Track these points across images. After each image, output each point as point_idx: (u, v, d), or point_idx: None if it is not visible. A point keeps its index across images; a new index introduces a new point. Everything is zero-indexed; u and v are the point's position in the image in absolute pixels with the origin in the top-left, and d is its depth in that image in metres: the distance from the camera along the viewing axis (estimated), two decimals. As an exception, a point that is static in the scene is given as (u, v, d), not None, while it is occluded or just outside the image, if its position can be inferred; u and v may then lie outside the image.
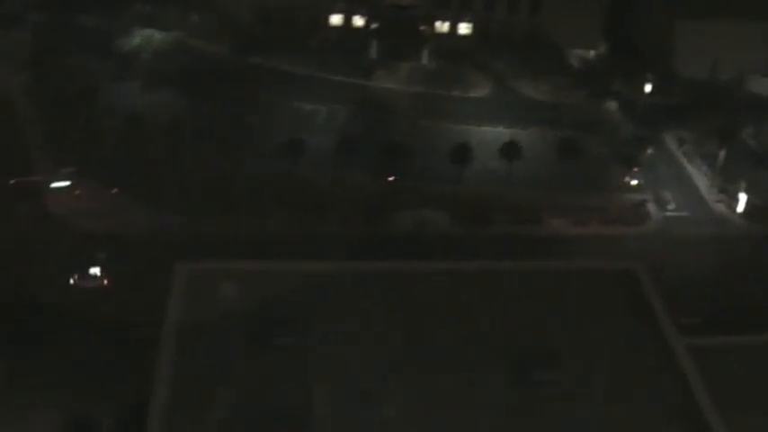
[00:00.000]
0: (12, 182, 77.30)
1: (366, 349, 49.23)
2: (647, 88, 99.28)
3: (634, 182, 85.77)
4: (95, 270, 68.14)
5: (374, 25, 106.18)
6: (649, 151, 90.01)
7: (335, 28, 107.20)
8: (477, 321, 50.71)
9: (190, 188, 78.32)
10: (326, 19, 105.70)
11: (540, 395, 46.74)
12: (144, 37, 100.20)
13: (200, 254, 60.34)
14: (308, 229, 75.28)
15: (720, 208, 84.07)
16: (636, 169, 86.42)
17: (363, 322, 50.57)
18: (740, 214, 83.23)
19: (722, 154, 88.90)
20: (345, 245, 72.11)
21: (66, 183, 77.10)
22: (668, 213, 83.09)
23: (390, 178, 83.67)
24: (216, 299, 51.83)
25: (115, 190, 77.39)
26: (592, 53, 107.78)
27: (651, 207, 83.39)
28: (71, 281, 67.76)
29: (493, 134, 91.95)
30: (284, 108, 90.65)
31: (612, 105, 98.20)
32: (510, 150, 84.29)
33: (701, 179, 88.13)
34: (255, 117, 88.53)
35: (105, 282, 68.23)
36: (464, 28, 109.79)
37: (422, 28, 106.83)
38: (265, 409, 45.74)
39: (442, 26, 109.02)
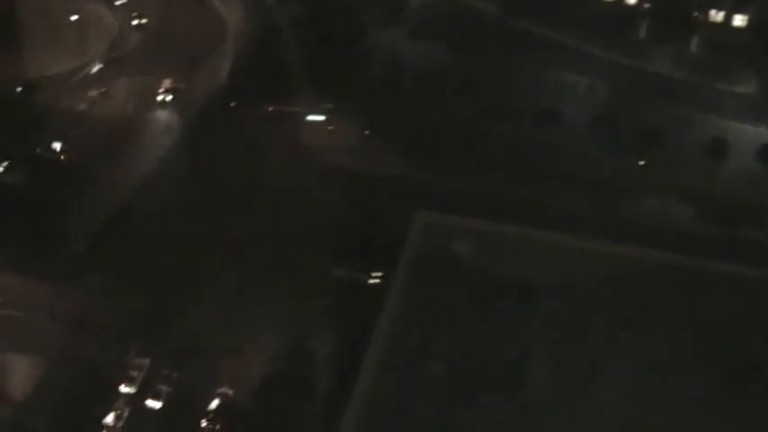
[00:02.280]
0: (270, 109, 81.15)
1: (584, 328, 49.27)
2: None
3: None
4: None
5: (647, 5, 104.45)
6: None
7: (608, 3, 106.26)
8: (702, 321, 49.90)
9: (440, 140, 78.67)
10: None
11: (751, 408, 45.65)
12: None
13: (437, 206, 61.82)
14: (549, 198, 75.20)
15: None
16: None
17: (585, 300, 50.53)
18: None
19: None
20: (581, 221, 72.39)
21: (322, 117, 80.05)
22: None
23: (640, 162, 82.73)
24: (448, 253, 52.97)
25: (367, 131, 79.54)
26: None
27: None
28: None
29: (753, 133, 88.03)
30: (545, 75, 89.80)
31: None
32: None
33: None
34: (515, 80, 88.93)
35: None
36: (739, 20, 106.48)
37: (695, 14, 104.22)
38: (479, 368, 46.70)
39: (717, 15, 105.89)
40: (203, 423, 56.74)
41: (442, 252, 52.89)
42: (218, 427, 56.76)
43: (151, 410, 57.90)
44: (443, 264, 52.27)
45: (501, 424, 43.57)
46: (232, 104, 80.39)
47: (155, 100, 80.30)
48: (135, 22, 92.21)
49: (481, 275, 51.09)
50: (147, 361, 60.75)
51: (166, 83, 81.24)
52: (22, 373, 60.88)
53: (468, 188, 75.90)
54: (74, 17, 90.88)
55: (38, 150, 74.47)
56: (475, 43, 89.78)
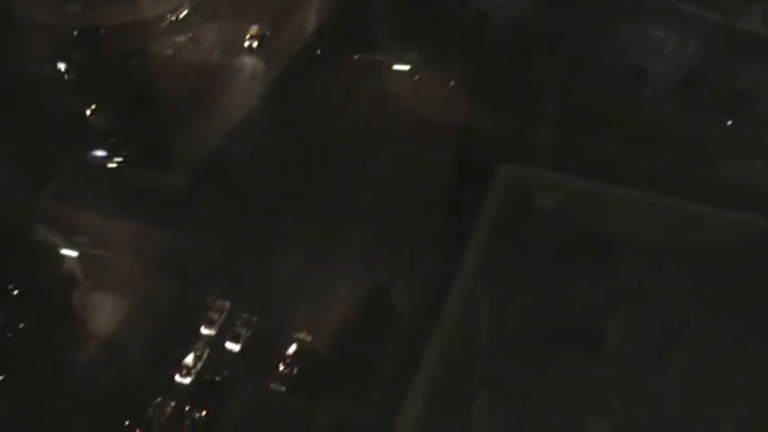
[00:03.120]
0: (355, 57, 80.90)
1: (663, 287, 48.84)
2: None
3: None
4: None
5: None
6: None
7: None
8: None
9: (525, 94, 77.29)
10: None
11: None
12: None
13: (521, 159, 61.43)
14: (633, 155, 74.85)
15: None
16: None
17: (666, 259, 50.05)
18: None
19: None
20: (664, 179, 71.43)
21: (407, 67, 79.73)
22: None
23: (728, 122, 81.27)
24: (531, 207, 52.76)
25: (452, 82, 78.65)
26: None
27: None
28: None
29: None
30: (632, 31, 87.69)
31: None
32: None
33: None
34: (602, 35, 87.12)
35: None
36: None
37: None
38: (558, 323, 46.62)
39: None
40: (281, 367, 58.59)
41: (525, 206, 52.75)
42: (294, 371, 58.57)
43: (230, 352, 60.17)
44: (526, 217, 52.17)
45: (579, 379, 43.63)
46: (318, 52, 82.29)
47: (241, 47, 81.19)
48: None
49: (563, 230, 50.86)
50: (227, 304, 62.29)
51: (253, 30, 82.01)
52: (106, 312, 62.52)
53: (552, 142, 75.96)
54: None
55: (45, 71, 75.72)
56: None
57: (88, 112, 73.05)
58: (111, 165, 68.55)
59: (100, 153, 68.93)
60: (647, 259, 50.27)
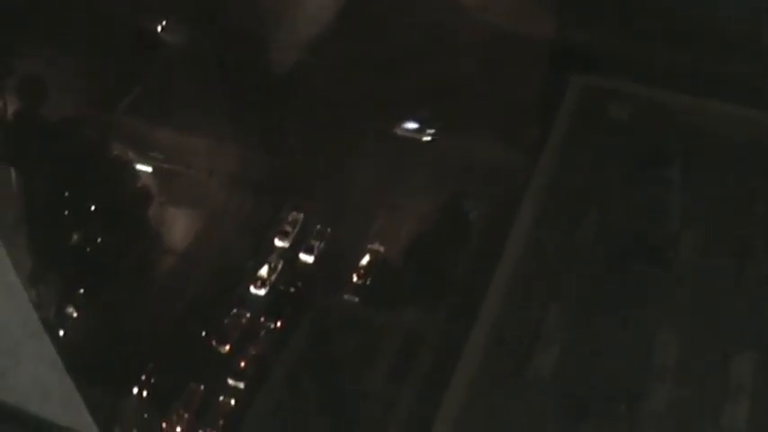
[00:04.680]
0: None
1: (741, 198, 47.92)
2: None
3: None
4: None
5: None
6: None
7: None
8: None
9: (598, 3, 77.38)
10: None
11: None
12: None
13: (595, 69, 60.27)
14: (710, 65, 72.64)
15: None
16: None
17: (744, 170, 48.96)
18: None
19: None
20: (741, 90, 69.20)
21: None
22: None
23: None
24: (605, 117, 51.91)
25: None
26: None
27: None
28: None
29: None
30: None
31: None
32: None
33: None
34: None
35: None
36: None
37: None
38: (631, 236, 46.19)
39: None
40: (354, 278, 59.03)
41: (599, 116, 51.78)
42: (368, 282, 58.93)
43: (304, 264, 60.84)
44: (600, 128, 51.25)
45: (652, 293, 43.29)
46: None
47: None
48: None
49: (638, 141, 49.85)
50: (301, 216, 62.67)
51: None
52: (182, 225, 63.48)
53: (627, 52, 74.53)
54: None
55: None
56: None
57: (159, 29, 75.13)
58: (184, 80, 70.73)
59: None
60: (725, 169, 49.43)
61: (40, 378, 12.56)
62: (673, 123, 50.95)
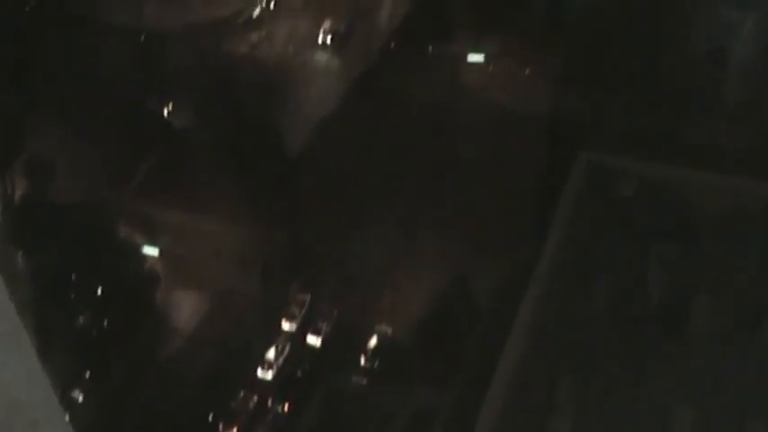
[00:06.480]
0: (430, 49, 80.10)
1: (749, 272, 47.78)
2: None
3: None
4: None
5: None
6: None
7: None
8: None
9: (604, 79, 75.25)
10: None
11: None
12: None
13: (601, 146, 60.63)
14: (715, 138, 72.47)
15: None
16: None
17: (751, 244, 48.95)
18: None
19: None
20: (747, 163, 69.29)
21: (482, 56, 78.07)
22: None
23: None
24: (611, 193, 52.04)
25: (528, 71, 76.73)
26: None
27: None
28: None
29: None
30: (711, 12, 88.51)
31: None
32: None
33: None
34: (682, 18, 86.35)
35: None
36: None
37: None
38: (640, 308, 45.95)
39: None
40: (362, 359, 58.59)
41: (605, 192, 51.92)
42: (376, 364, 58.48)
43: (311, 346, 60.30)
44: (605, 204, 51.41)
45: (662, 362, 42.91)
46: (392, 45, 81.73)
47: (315, 42, 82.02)
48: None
49: (644, 216, 50.05)
50: (308, 297, 62.28)
51: (326, 25, 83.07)
52: (188, 307, 63.31)
53: (631, 127, 74.84)
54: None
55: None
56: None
57: (165, 112, 75.80)
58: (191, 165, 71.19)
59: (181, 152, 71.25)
60: (732, 242, 49.41)
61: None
62: (680, 198, 51.28)
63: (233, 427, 54.76)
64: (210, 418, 55.28)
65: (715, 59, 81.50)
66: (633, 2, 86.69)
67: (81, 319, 60.87)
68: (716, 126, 75.72)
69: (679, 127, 75.19)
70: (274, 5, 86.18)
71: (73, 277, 61.22)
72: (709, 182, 52.06)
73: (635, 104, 78.07)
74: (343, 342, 59.49)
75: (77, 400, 57.02)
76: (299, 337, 59.66)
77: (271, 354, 58.38)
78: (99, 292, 61.82)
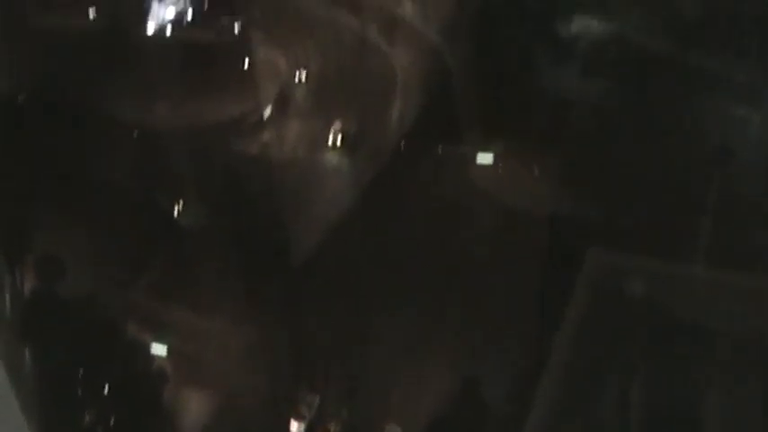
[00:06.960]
0: (439, 149, 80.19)
1: (764, 373, 46.43)
2: None
3: None
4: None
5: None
6: None
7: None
8: None
9: (612, 179, 76.02)
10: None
11: None
12: (583, 25, 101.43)
13: (610, 245, 59.21)
14: (727, 237, 71.50)
15: None
16: None
17: (764, 343, 47.60)
18: None
19: None
20: (760, 261, 67.12)
21: (490, 157, 78.80)
22: None
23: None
24: (621, 292, 50.98)
25: (537, 171, 77.62)
26: None
27: None
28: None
29: None
30: (716, 112, 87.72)
31: None
32: None
33: None
34: (687, 118, 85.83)
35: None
36: None
37: None
38: (654, 410, 44.76)
39: None
40: (372, 462, 56.60)
41: (615, 291, 51.07)
42: (386, 466, 56.47)
43: (321, 447, 58.32)
44: (616, 304, 50.49)
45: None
46: (402, 145, 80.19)
47: (326, 144, 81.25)
48: (302, 66, 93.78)
49: (655, 316, 49.01)
50: (317, 397, 60.31)
51: (336, 126, 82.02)
52: (195, 406, 61.75)
53: (641, 226, 72.76)
54: (247, 61, 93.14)
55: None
56: (644, 81, 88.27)
57: (176, 212, 73.80)
58: (200, 264, 69.95)
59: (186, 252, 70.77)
60: (745, 342, 48.06)
61: None
62: (692, 297, 49.95)
63: None
64: None
65: (720, 159, 79.84)
66: (638, 104, 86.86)
67: (87, 417, 59.73)
68: (727, 225, 73.36)
69: (689, 227, 73.64)
70: (285, 106, 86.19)
71: (79, 374, 60.22)
72: (723, 281, 50.91)
73: (644, 204, 76.72)
74: (352, 443, 58.20)
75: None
76: (307, 438, 58.47)
77: (279, 455, 56.72)
78: (105, 389, 60.59)
